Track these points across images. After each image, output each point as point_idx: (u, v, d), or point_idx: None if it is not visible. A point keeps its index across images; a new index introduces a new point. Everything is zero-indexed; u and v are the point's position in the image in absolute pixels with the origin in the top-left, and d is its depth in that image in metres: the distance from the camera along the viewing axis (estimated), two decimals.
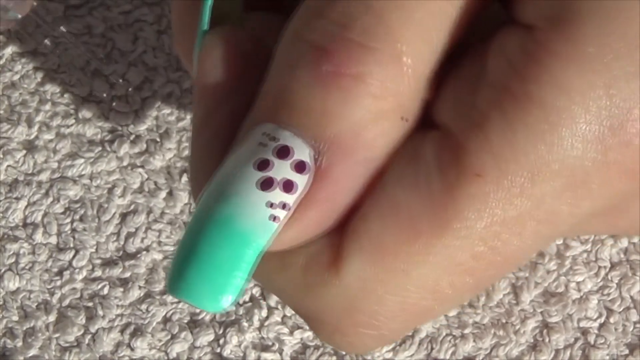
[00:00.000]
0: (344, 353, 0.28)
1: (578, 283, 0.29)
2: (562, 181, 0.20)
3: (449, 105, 0.21)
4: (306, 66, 0.21)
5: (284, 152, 0.20)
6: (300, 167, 0.20)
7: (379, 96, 0.20)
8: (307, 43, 0.21)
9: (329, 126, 0.20)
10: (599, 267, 0.29)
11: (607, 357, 0.28)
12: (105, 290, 0.30)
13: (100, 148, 0.32)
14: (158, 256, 0.30)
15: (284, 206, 0.20)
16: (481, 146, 0.20)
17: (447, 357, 0.28)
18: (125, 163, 0.32)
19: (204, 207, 0.20)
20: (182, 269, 0.20)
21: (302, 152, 0.20)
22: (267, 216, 0.20)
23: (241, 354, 0.29)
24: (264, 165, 0.20)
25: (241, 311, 0.29)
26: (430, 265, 0.21)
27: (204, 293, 0.20)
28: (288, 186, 0.20)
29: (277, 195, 0.20)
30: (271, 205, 0.20)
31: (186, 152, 0.32)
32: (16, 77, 0.33)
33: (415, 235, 0.21)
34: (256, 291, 0.29)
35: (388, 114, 0.21)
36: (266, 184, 0.20)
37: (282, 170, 0.20)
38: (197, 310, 0.29)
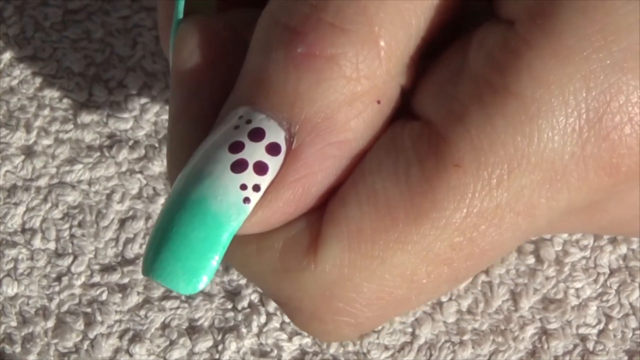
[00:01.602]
0: (342, 359, 0.28)
1: (577, 289, 0.29)
2: (541, 174, 0.20)
3: (429, 95, 0.21)
4: (280, 48, 0.21)
5: (257, 135, 0.21)
6: (273, 148, 0.20)
7: (352, 78, 0.20)
8: (281, 25, 0.21)
9: (301, 108, 0.20)
10: (598, 274, 0.29)
11: None
12: (104, 296, 0.30)
13: (98, 153, 0.32)
14: None
15: (256, 188, 0.20)
16: (461, 137, 0.20)
17: None
18: (123, 169, 0.31)
19: (179, 189, 0.21)
20: (157, 250, 0.20)
21: (276, 134, 0.20)
22: (240, 198, 0.20)
23: None
24: (236, 147, 0.20)
25: (240, 317, 0.29)
26: (407, 254, 0.21)
27: (178, 275, 0.20)
28: (261, 168, 0.20)
29: (250, 177, 0.20)
30: (244, 187, 0.20)
31: None
32: (15, 82, 0.33)
33: (393, 224, 0.21)
34: (255, 297, 0.29)
35: (362, 96, 0.21)
36: (238, 166, 0.20)
37: (254, 152, 0.20)
38: (196, 317, 0.29)
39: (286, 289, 0.22)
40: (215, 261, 0.20)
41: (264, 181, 0.20)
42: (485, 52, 0.20)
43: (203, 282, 0.20)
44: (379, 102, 0.21)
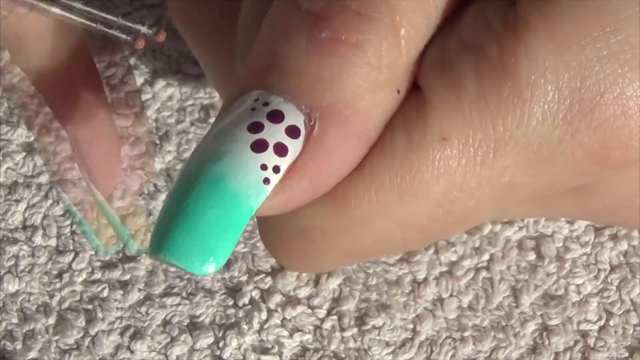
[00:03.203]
0: (343, 355, 0.28)
1: (578, 286, 0.29)
2: (526, 156, 0.20)
3: (424, 64, 0.21)
4: (302, 32, 0.20)
5: (276, 116, 0.20)
6: (292, 131, 0.20)
7: (375, 66, 0.20)
8: (302, 10, 0.20)
9: (323, 93, 0.20)
10: (599, 270, 0.29)
11: None
12: (105, 293, 0.30)
13: None
14: None
15: (276, 169, 0.20)
16: (452, 107, 0.20)
17: (447, 359, 0.28)
18: (124, 165, 0.31)
19: (195, 166, 0.20)
20: (170, 228, 0.20)
21: (295, 117, 0.20)
22: (260, 178, 0.20)
23: (241, 357, 0.29)
24: (256, 127, 0.20)
25: (241, 314, 0.29)
26: (385, 220, 0.21)
27: (193, 253, 0.19)
28: (281, 150, 0.20)
29: (270, 157, 0.20)
30: (264, 167, 0.20)
31: (186, 155, 0.32)
32: (16, 80, 0.33)
33: (376, 192, 0.21)
34: (256, 294, 0.29)
35: (383, 85, 0.21)
36: (259, 146, 0.20)
37: (275, 133, 0.20)
38: (197, 313, 0.29)
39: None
40: (231, 242, 0.20)
41: (284, 163, 0.20)
42: (483, 24, 0.20)
43: (217, 263, 0.20)
44: (398, 91, 0.21)
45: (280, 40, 0.21)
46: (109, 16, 0.19)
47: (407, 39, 0.20)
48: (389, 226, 0.21)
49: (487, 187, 0.21)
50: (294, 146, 0.20)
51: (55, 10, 0.19)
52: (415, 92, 0.21)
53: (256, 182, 0.20)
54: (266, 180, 0.20)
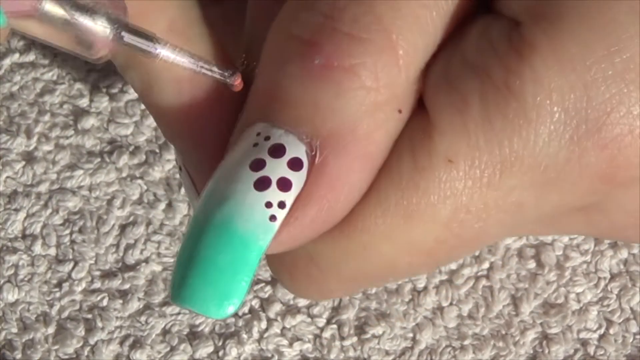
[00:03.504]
0: None
1: (578, 294, 0.29)
2: (533, 177, 0.20)
3: (428, 84, 0.21)
4: (295, 61, 0.20)
5: (277, 151, 0.20)
6: (295, 164, 0.20)
7: (372, 88, 0.20)
8: (295, 37, 0.20)
9: (322, 121, 0.20)
10: (599, 278, 0.29)
11: None
12: (105, 302, 0.30)
13: (99, 159, 0.32)
14: (157, 268, 0.30)
15: (282, 205, 0.20)
16: (457, 130, 0.20)
17: None
18: (124, 174, 0.32)
19: (202, 211, 0.20)
20: (185, 276, 0.20)
21: (296, 149, 0.20)
22: (267, 217, 0.20)
23: None
24: (258, 165, 0.20)
25: (240, 323, 0.29)
26: (391, 245, 0.21)
27: (208, 299, 0.20)
28: (284, 184, 0.20)
29: (274, 194, 0.20)
30: (269, 205, 0.20)
31: None
32: (15, 88, 0.33)
33: (383, 215, 0.21)
34: (255, 303, 0.29)
35: (383, 106, 0.20)
36: (262, 184, 0.20)
37: (277, 168, 0.20)
38: (197, 322, 0.29)
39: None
40: (245, 282, 0.20)
41: (289, 197, 0.20)
42: (488, 44, 0.20)
43: (234, 305, 0.20)
44: (400, 111, 0.21)
45: (276, 71, 0.21)
46: (202, 62, 0.20)
47: (405, 57, 0.20)
48: (395, 250, 0.21)
49: (494, 209, 0.20)
50: (298, 179, 0.20)
51: (165, 52, 0.20)
52: (421, 113, 0.21)
53: (262, 220, 0.20)
54: (272, 218, 0.20)
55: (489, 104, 0.20)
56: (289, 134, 0.20)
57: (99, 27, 0.19)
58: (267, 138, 0.20)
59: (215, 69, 0.20)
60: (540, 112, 0.20)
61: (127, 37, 0.19)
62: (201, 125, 0.22)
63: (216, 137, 0.22)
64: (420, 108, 0.21)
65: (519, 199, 0.20)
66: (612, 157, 0.20)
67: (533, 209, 0.21)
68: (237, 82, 0.21)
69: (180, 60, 0.20)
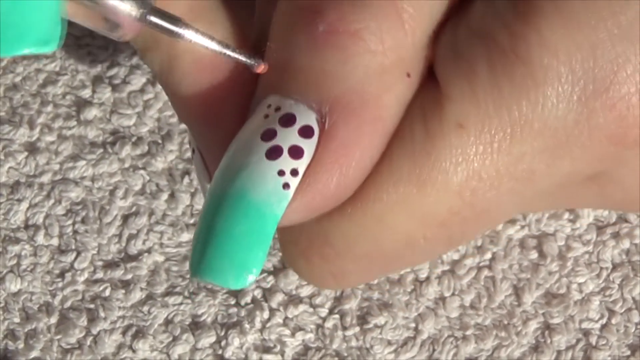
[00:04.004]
0: (345, 354, 0.28)
1: (580, 284, 0.29)
2: (543, 141, 0.20)
3: (437, 54, 0.21)
4: (301, 30, 0.20)
5: (288, 120, 0.20)
6: (305, 131, 0.20)
7: (378, 52, 0.20)
8: (298, 7, 0.20)
9: (330, 87, 0.20)
10: (601, 269, 0.29)
11: (609, 358, 0.28)
12: (107, 292, 0.30)
13: (102, 150, 0.32)
14: (160, 258, 0.30)
15: (294, 172, 0.20)
16: (466, 97, 0.20)
17: (449, 358, 0.28)
18: (127, 165, 0.32)
19: (217, 184, 0.20)
20: (203, 249, 0.20)
21: (307, 117, 0.20)
22: (280, 185, 0.20)
23: (243, 356, 0.29)
24: (269, 135, 0.20)
25: (243, 313, 0.29)
26: (406, 216, 0.21)
27: (227, 271, 0.20)
28: (296, 152, 0.20)
29: (286, 162, 0.20)
30: (282, 173, 0.20)
31: (188, 154, 0.32)
32: (18, 79, 0.33)
33: (395, 185, 0.21)
34: (258, 293, 0.29)
35: (390, 69, 0.20)
36: (273, 153, 0.20)
37: (288, 137, 0.20)
38: (199, 312, 0.29)
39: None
40: (262, 252, 0.20)
41: (301, 165, 0.20)
42: (493, 11, 0.20)
43: (253, 275, 0.20)
44: (408, 75, 0.21)
45: (283, 43, 0.21)
46: (224, 46, 0.20)
47: (411, 21, 0.20)
48: (409, 221, 0.21)
49: (506, 176, 0.20)
50: (309, 146, 0.20)
51: (190, 34, 0.20)
52: (431, 83, 0.21)
53: (275, 189, 0.20)
54: (286, 186, 0.20)
55: (496, 69, 0.20)
56: (299, 103, 0.20)
57: (126, 8, 0.19)
58: (278, 109, 0.20)
59: (239, 53, 0.20)
60: (548, 73, 0.20)
61: (154, 19, 0.20)
62: (219, 107, 0.22)
63: (233, 118, 0.22)
64: (432, 78, 0.21)
65: (530, 165, 0.21)
66: (621, 116, 0.20)
67: (545, 176, 0.21)
68: (261, 67, 0.21)
69: (205, 42, 0.20)
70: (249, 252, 0.20)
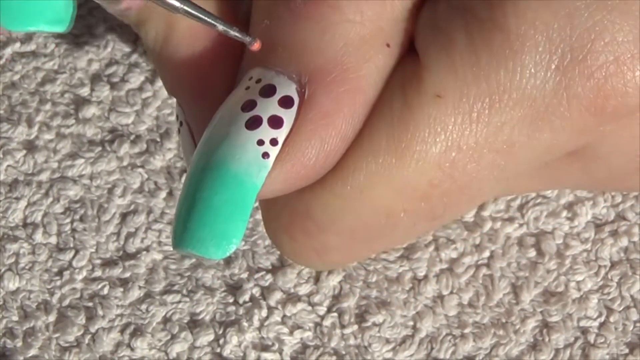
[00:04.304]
0: (343, 352, 0.28)
1: (578, 282, 0.29)
2: (522, 111, 0.20)
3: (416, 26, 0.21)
4: (281, 3, 0.21)
5: (268, 91, 0.20)
6: (285, 101, 0.20)
7: (356, 22, 0.20)
8: None
9: (310, 58, 0.20)
10: (599, 266, 0.29)
11: (607, 357, 0.28)
12: (105, 290, 0.30)
13: (100, 148, 0.32)
14: (158, 256, 0.30)
15: (274, 142, 0.20)
16: (444, 67, 0.20)
17: (447, 356, 0.28)
18: (125, 163, 0.32)
19: (199, 156, 0.20)
20: (185, 220, 0.20)
21: (287, 87, 0.20)
22: (259, 154, 0.20)
23: (241, 354, 0.29)
24: (249, 105, 0.20)
25: (241, 311, 0.29)
26: (386, 188, 0.21)
27: (207, 240, 0.20)
28: (275, 122, 0.20)
29: (266, 131, 0.20)
30: (261, 142, 0.20)
31: None
32: (16, 77, 0.33)
33: (375, 155, 0.21)
34: (256, 291, 0.29)
35: (369, 39, 0.21)
36: (253, 123, 0.20)
37: (267, 107, 0.20)
38: (197, 310, 0.29)
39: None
40: (242, 222, 0.20)
41: (281, 134, 0.20)
42: None
43: (233, 244, 0.20)
44: (388, 45, 0.21)
45: (265, 15, 0.21)
46: (221, 22, 0.20)
47: None
48: (389, 193, 0.21)
49: (485, 147, 0.20)
50: (289, 116, 0.20)
51: (184, 7, 0.20)
52: (412, 55, 0.21)
53: (255, 158, 0.20)
54: (265, 155, 0.20)
55: (474, 38, 0.20)
56: (280, 74, 0.20)
57: None
58: (259, 81, 0.21)
59: (236, 30, 0.21)
60: (525, 42, 0.20)
61: None
62: (210, 78, 0.22)
63: (223, 90, 0.22)
64: (412, 52, 0.21)
65: (510, 137, 0.20)
66: (599, 86, 0.20)
67: (525, 149, 0.21)
68: (257, 44, 0.21)
69: (205, 19, 0.20)
70: (229, 222, 0.20)
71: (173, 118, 0.32)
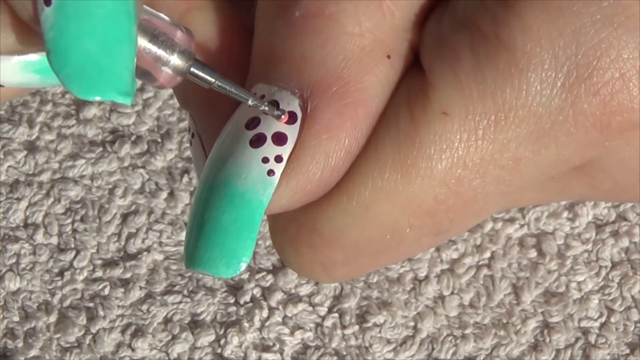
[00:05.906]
0: (344, 353, 0.28)
1: (579, 283, 0.29)
2: (527, 128, 0.20)
3: (421, 42, 0.21)
4: (279, 17, 0.21)
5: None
6: (289, 117, 0.20)
7: (355, 34, 0.20)
8: None
9: (310, 72, 0.20)
10: (600, 267, 0.29)
11: (608, 357, 0.28)
12: (106, 291, 0.30)
13: (101, 149, 0.32)
14: (159, 257, 0.30)
15: (279, 159, 0.20)
16: (450, 84, 0.20)
17: (448, 357, 0.28)
18: (126, 164, 0.32)
19: (207, 173, 0.20)
20: (195, 239, 0.20)
21: (290, 103, 0.20)
22: (264, 172, 0.20)
23: (242, 355, 0.29)
24: (253, 123, 0.20)
25: (242, 312, 0.29)
26: (391, 203, 0.21)
27: (217, 260, 0.20)
28: (279, 138, 0.20)
29: (270, 149, 0.20)
30: (266, 160, 0.20)
31: (187, 153, 0.32)
32: None
33: (380, 171, 0.21)
34: (257, 292, 0.29)
35: (369, 51, 0.20)
36: (257, 140, 0.20)
37: (271, 124, 0.20)
38: (198, 311, 0.29)
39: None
40: (251, 240, 0.20)
41: (285, 150, 0.20)
42: (476, 0, 0.20)
43: (243, 262, 0.20)
44: (389, 57, 0.21)
45: (265, 31, 0.21)
46: (251, 97, 0.21)
47: (389, 2, 0.20)
48: (394, 209, 0.21)
49: (491, 164, 0.20)
50: (293, 131, 0.20)
51: (218, 83, 0.20)
52: (417, 69, 0.21)
53: (260, 176, 0.20)
54: (270, 172, 0.20)
55: (479, 56, 0.20)
56: (282, 89, 0.20)
57: (171, 64, 0.19)
58: (262, 97, 0.20)
59: (264, 104, 0.21)
60: (531, 59, 0.20)
61: (193, 71, 0.20)
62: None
63: (233, 102, 0.22)
64: (417, 66, 0.21)
65: (515, 153, 0.20)
66: (605, 103, 0.20)
67: (531, 165, 0.21)
68: (284, 118, 0.21)
69: (234, 92, 0.20)
70: (237, 241, 0.20)
71: (174, 119, 0.32)
